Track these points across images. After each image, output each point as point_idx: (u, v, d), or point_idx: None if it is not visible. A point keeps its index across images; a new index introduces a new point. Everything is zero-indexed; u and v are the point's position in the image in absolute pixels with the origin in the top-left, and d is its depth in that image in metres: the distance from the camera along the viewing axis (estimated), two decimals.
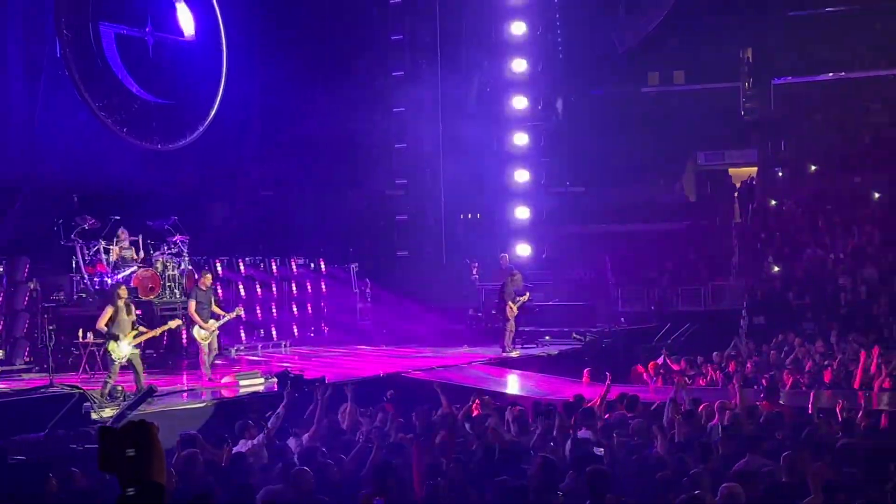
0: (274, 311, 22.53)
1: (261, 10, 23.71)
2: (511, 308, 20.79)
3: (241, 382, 15.70)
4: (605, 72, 32.45)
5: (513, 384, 18.05)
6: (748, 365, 19.78)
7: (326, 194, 24.47)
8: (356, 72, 25.40)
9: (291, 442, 10.94)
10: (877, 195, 28.76)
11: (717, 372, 19.79)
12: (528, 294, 21.75)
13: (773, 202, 30.01)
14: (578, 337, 23.32)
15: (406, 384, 15.85)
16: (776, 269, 27.06)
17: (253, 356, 20.34)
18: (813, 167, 30.91)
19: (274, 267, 22.85)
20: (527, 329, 22.55)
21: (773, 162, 31.40)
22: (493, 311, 22.24)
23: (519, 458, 10.00)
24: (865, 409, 13.58)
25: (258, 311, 22.04)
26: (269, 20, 23.75)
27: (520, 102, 27.99)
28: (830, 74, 32.24)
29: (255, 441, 10.74)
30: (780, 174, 31.03)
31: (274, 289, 22.69)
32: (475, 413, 12.97)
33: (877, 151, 30.08)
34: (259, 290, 22.22)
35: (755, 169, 31.99)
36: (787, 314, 25.00)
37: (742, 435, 11.03)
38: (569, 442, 10.83)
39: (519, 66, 27.85)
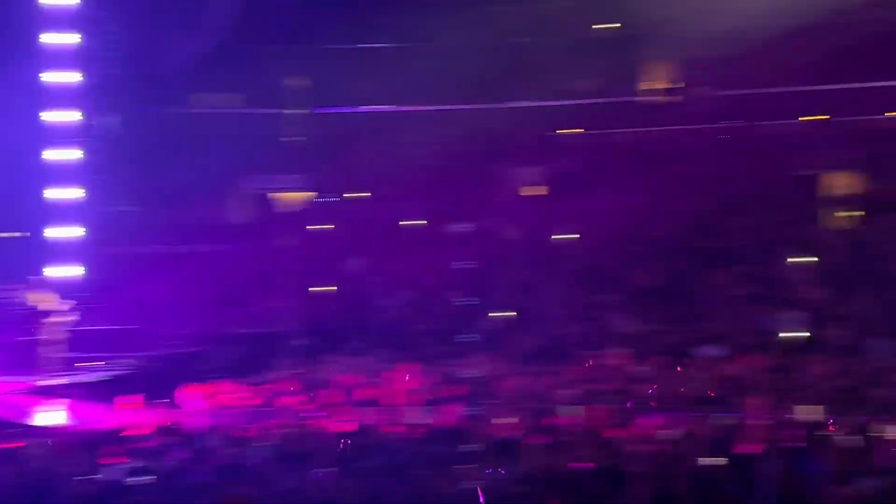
0: None
1: None
2: (51, 331, 19.77)
3: None
4: (160, 91, 31.86)
5: (51, 414, 17.13)
6: (297, 385, 20.33)
7: None
8: None
9: None
10: (416, 222, 30.82)
11: (268, 393, 20.14)
12: (72, 316, 20.82)
13: (319, 226, 31.13)
14: (126, 362, 22.69)
15: None
16: (322, 291, 28.07)
17: None
18: (356, 194, 32.45)
19: None
20: (72, 354, 21.53)
21: (319, 187, 32.55)
22: (32, 336, 21.02)
23: (53, 489, 9.54)
24: (407, 424, 14.54)
25: None
26: None
27: (69, 116, 26.82)
28: (371, 107, 34.08)
29: None
30: (326, 199, 32.24)
31: None
32: (11, 446, 12.18)
33: (410, 182, 32.14)
34: None
35: (302, 194, 32.94)
36: (332, 335, 26.00)
37: (294, 453, 11.36)
38: (109, 472, 10.51)
39: (69, 78, 26.73)
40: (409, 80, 33.65)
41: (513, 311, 26.52)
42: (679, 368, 22.55)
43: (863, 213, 28.36)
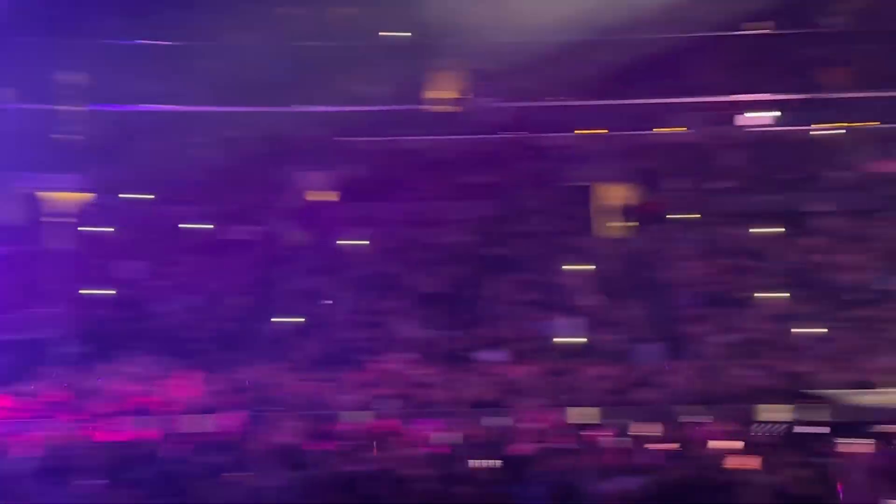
0: None
1: None
2: None
3: None
4: None
5: None
6: (66, 394, 19.53)
7: None
8: None
9: None
10: (199, 225, 30.14)
11: (34, 403, 19.25)
12: None
13: (94, 228, 30.00)
14: None
15: None
16: (97, 295, 27.07)
17: None
18: (136, 195, 31.43)
19: None
20: None
21: (95, 188, 31.33)
22: None
23: None
24: (183, 433, 14.20)
25: None
26: None
27: None
28: (153, 106, 33.10)
29: None
30: (102, 200, 31.06)
31: None
32: None
33: (196, 184, 31.39)
34: None
35: (78, 194, 31.66)
36: (108, 341, 25.06)
37: (59, 465, 10.92)
38: None
39: None
40: (193, 79, 32.91)
41: (298, 317, 26.34)
42: (460, 373, 22.97)
43: (635, 223, 29.81)
